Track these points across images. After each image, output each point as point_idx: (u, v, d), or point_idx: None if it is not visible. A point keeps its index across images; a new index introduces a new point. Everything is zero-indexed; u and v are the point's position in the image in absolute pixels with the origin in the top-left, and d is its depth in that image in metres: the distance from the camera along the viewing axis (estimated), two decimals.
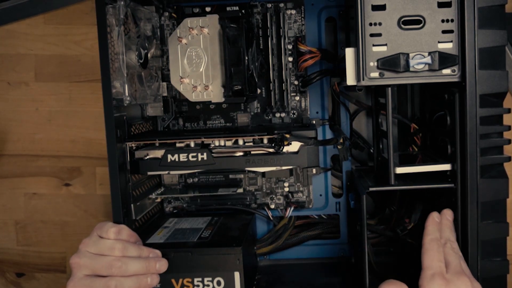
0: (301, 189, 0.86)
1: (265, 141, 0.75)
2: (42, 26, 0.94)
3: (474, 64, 0.62)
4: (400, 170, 0.68)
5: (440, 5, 0.62)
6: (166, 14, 0.85)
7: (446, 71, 0.63)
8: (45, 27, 0.94)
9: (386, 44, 0.63)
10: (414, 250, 0.80)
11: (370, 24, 0.63)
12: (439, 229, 0.66)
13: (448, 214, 0.67)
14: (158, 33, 0.84)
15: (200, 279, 0.69)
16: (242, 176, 0.86)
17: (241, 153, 0.75)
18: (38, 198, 0.97)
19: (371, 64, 0.63)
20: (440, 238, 0.65)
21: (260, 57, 0.83)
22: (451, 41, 0.62)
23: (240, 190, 0.84)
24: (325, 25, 0.85)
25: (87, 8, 0.93)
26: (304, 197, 0.86)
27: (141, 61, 0.76)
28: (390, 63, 0.63)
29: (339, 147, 0.76)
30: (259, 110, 0.86)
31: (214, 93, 0.76)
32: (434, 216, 0.67)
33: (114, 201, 0.69)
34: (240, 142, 0.75)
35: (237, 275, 0.69)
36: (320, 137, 0.85)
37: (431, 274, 0.60)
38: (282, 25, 0.83)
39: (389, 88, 0.66)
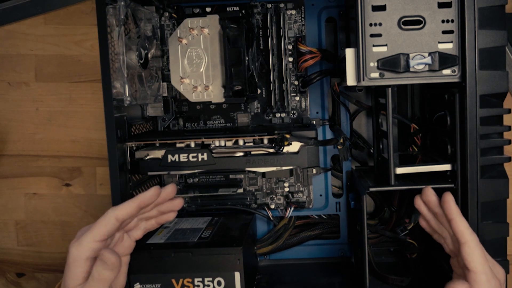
0: (301, 189, 0.86)
1: (265, 141, 0.75)
2: (42, 26, 0.94)
3: (474, 64, 0.62)
4: (400, 170, 0.68)
5: (440, 5, 0.62)
6: (166, 14, 0.85)
7: (446, 71, 0.63)
8: (45, 27, 0.94)
9: (386, 45, 0.63)
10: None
11: (370, 25, 0.63)
12: None
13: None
14: (158, 33, 0.84)
15: (200, 279, 0.69)
16: (242, 176, 0.86)
17: (241, 154, 0.75)
18: (38, 198, 0.97)
19: (371, 64, 0.63)
20: None
21: (260, 57, 0.83)
22: (451, 42, 0.62)
23: (240, 190, 0.84)
24: (325, 25, 0.85)
25: (87, 8, 0.93)
26: (304, 197, 0.86)
27: (141, 61, 0.76)
28: (390, 64, 0.63)
29: (339, 147, 0.76)
30: (259, 110, 0.86)
31: (214, 93, 0.77)
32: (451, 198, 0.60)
33: (114, 201, 0.68)
34: (240, 142, 0.75)
35: (237, 275, 0.69)
36: (320, 137, 0.85)
37: (486, 280, 0.56)
38: (282, 25, 0.83)
39: (389, 89, 0.66)
